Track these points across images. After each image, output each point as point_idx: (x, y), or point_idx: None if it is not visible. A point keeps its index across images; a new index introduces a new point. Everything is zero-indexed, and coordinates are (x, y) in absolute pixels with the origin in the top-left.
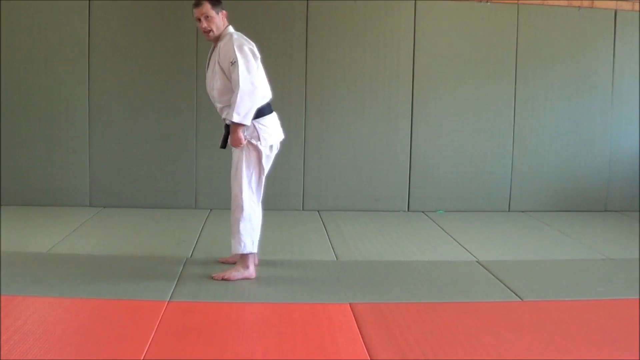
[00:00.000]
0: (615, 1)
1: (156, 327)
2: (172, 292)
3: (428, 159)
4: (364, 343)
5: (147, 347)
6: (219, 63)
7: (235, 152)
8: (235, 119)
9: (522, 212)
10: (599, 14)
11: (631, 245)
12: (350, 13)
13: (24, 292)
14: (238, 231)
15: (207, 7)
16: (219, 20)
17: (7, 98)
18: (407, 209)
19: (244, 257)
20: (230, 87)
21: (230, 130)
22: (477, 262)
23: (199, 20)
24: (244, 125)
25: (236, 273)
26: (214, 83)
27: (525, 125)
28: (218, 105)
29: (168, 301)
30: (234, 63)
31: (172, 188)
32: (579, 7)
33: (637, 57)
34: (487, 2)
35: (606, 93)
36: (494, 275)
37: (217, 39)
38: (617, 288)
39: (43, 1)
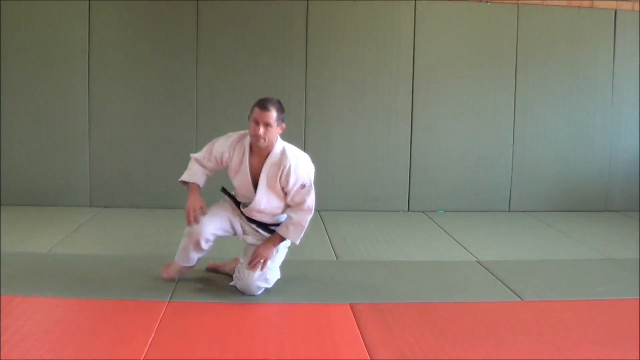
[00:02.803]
0: (615, 1)
1: (156, 327)
2: (172, 292)
3: (428, 159)
4: (364, 343)
5: (147, 347)
6: (280, 183)
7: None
8: (297, 241)
9: (522, 212)
10: (599, 14)
11: (631, 245)
12: (350, 13)
13: (24, 292)
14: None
15: (273, 115)
16: (276, 131)
17: (7, 98)
18: (407, 209)
19: None
20: (282, 205)
21: (272, 240)
22: (477, 262)
23: (257, 123)
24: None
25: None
26: (270, 201)
27: (525, 125)
28: (258, 214)
29: (168, 301)
30: (304, 187)
31: (172, 188)
32: (579, 7)
33: (637, 57)
34: (487, 2)
35: (606, 93)
36: (494, 275)
37: (265, 150)
38: (617, 288)
39: (43, 1)
